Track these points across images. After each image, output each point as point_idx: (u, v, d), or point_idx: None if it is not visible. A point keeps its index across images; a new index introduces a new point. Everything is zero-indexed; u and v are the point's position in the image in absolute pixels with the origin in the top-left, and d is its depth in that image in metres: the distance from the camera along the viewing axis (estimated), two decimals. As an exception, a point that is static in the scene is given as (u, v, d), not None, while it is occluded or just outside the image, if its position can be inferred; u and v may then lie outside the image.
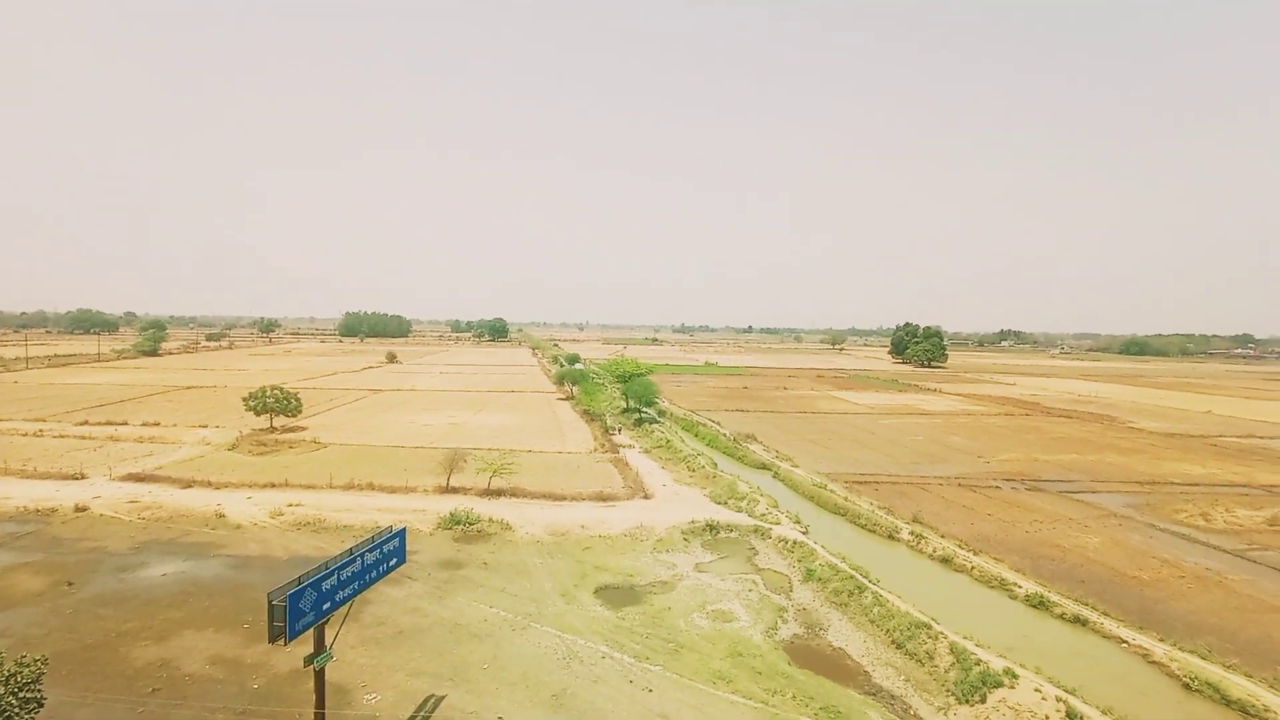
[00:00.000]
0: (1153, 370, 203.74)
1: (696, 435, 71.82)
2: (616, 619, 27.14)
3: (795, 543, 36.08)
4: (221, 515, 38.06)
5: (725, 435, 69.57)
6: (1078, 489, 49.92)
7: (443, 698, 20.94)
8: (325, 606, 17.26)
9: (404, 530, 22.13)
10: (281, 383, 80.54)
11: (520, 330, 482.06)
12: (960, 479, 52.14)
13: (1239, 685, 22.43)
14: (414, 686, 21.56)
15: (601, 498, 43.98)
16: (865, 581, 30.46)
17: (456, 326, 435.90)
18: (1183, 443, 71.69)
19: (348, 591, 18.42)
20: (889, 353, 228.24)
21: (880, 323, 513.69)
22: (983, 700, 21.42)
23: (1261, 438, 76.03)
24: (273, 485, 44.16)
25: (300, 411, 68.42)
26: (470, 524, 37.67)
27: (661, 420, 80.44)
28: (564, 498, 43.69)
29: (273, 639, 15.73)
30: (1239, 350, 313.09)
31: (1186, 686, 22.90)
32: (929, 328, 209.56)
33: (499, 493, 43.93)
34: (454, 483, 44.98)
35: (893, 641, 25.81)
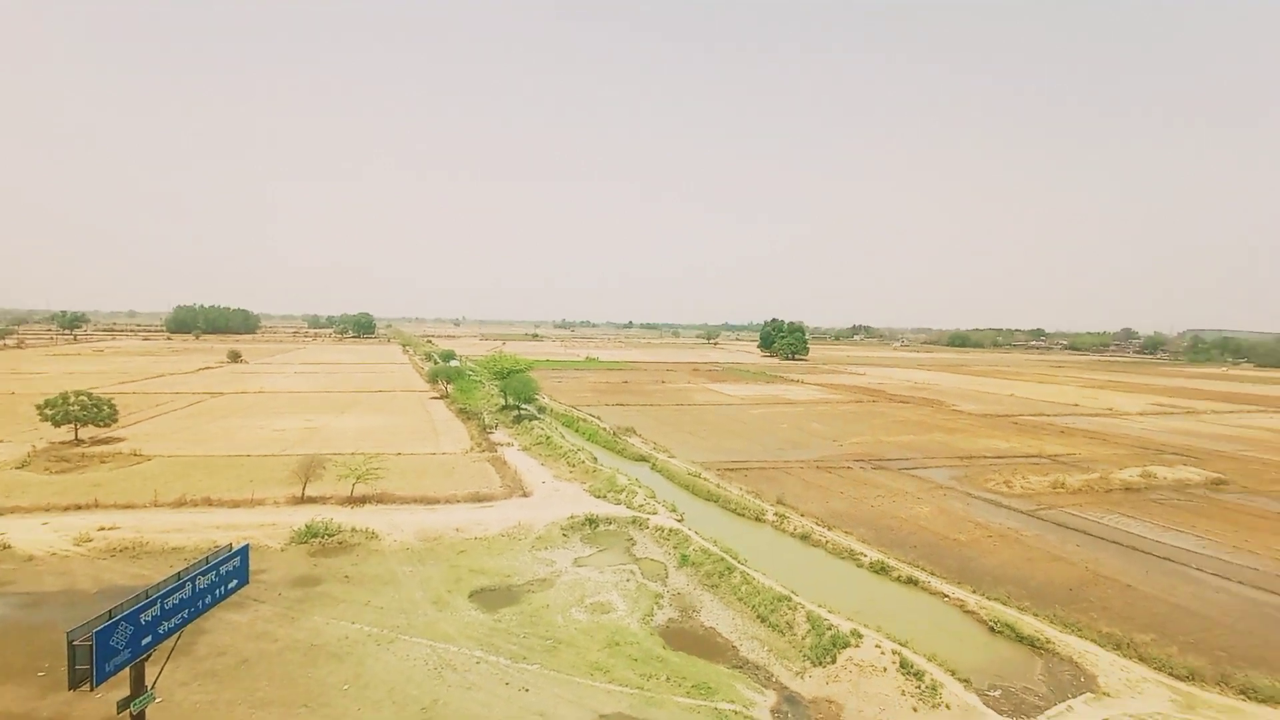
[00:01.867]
0: (972, 360, 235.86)
1: (577, 430, 71.86)
2: (493, 622, 26.49)
3: (671, 531, 37.42)
4: (7, 547, 31.82)
5: (605, 429, 70.32)
6: (913, 465, 56.62)
7: (296, 727, 19.20)
8: (145, 641, 15.11)
9: (246, 548, 19.97)
10: (91, 387, 68.90)
11: (389, 326, 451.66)
12: (818, 462, 56.99)
13: (1029, 624, 26.79)
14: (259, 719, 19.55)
15: (478, 498, 42.60)
16: (734, 562, 32.34)
17: (315, 322, 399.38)
18: (992, 422, 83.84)
19: (175, 622, 16.27)
20: (758, 347, 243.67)
21: (751, 318, 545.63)
22: (833, 661, 23.67)
23: (1048, 415, 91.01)
24: (79, 507, 37.70)
25: (115, 420, 59.15)
26: (330, 535, 34.76)
27: (542, 416, 79.50)
28: (437, 501, 41.75)
29: (74, 685, 13.49)
30: (1034, 342, 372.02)
31: (991, 629, 26.92)
32: (793, 323, 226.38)
33: (364, 500, 40.96)
34: (311, 492, 41.22)
35: (758, 616, 27.68)
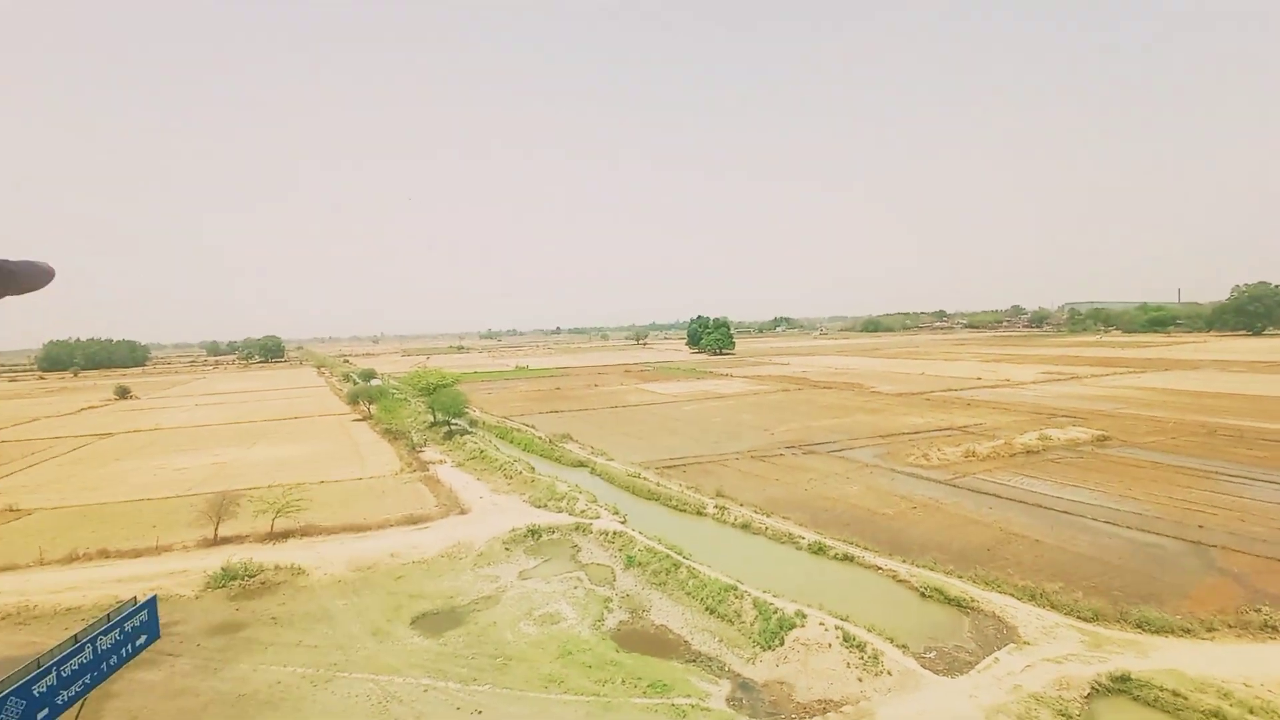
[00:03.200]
0: (885, 343, 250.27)
1: (512, 441, 70.40)
2: (438, 646, 25.50)
3: (615, 533, 37.37)
4: None
5: (541, 438, 69.30)
6: (840, 448, 59.39)
7: (227, 787, 17.70)
8: (41, 715, 13.49)
9: (154, 599, 18.27)
10: (-54, 439, 60.61)
11: (300, 348, 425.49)
12: (752, 452, 58.66)
13: (955, 586, 28.71)
14: (186, 784, 17.89)
15: (412, 520, 40.86)
16: (680, 558, 32.72)
17: (215, 349, 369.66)
18: (908, 400, 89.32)
19: (75, 690, 14.63)
20: (686, 344, 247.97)
21: (678, 317, 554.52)
22: (781, 643, 24.44)
23: (955, 390, 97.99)
24: (-58, 576, 33.07)
25: (-18, 473, 52.33)
26: (250, 576, 32.28)
27: (474, 430, 77.32)
28: (368, 527, 39.70)
29: (-47, 780, 11.84)
30: (938, 323, 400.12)
31: (922, 595, 28.65)
32: (718, 319, 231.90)
33: (286, 534, 38.32)
34: (225, 532, 38.13)
35: (707, 608, 28.13)
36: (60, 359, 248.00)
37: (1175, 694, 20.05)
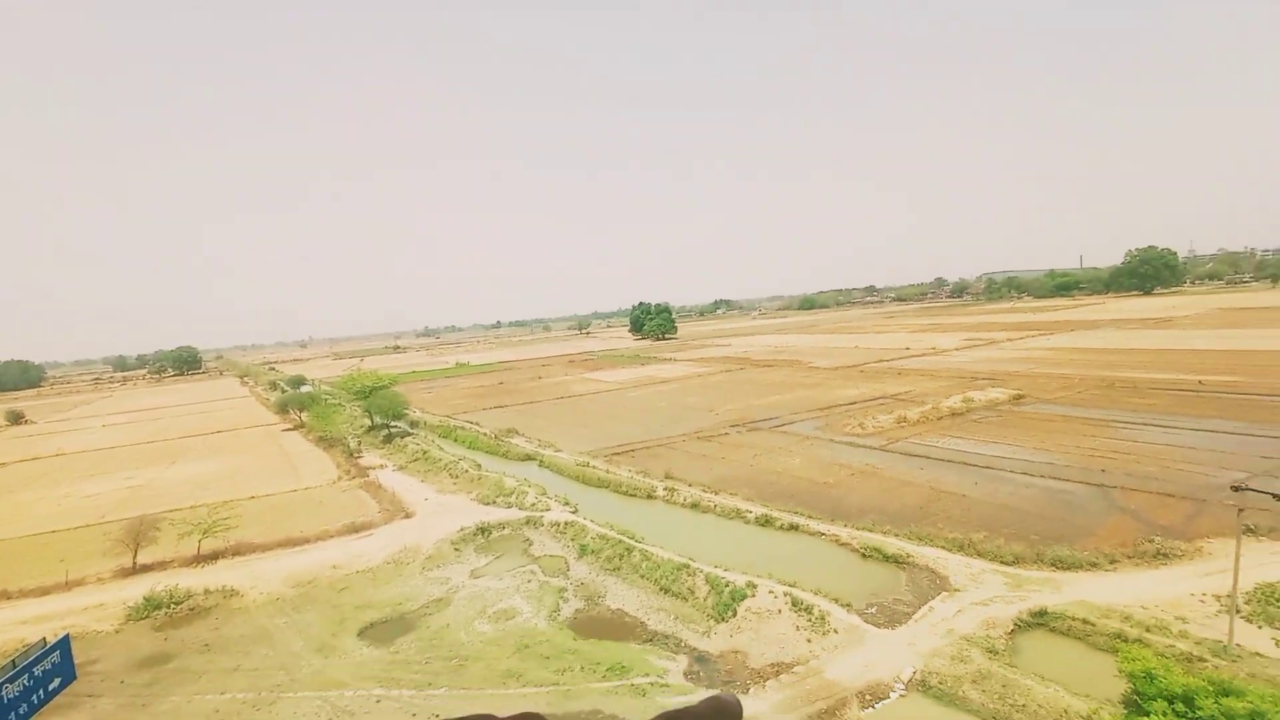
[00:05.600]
0: (821, 320, 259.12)
1: (456, 440, 68.78)
2: (390, 655, 24.81)
3: (567, 524, 37.28)
4: None
5: (486, 434, 68.04)
6: (782, 423, 61.25)
7: (166, 825, 16.70)
8: (-63, 779, 12.28)
9: (67, 638, 16.95)
10: None
11: (219, 357, 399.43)
12: (698, 433, 59.66)
13: (892, 544, 30.31)
14: (118, 828, 16.75)
15: (354, 529, 39.38)
16: (632, 542, 33.02)
17: (121, 364, 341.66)
18: (843, 373, 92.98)
19: (-23, 745, 13.38)
20: (629, 331, 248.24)
21: (619, 304, 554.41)
22: (734, 614, 25.16)
23: (887, 360, 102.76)
24: None
25: None
26: (177, 604, 30.33)
27: (415, 431, 75.00)
28: (306, 540, 37.97)
29: None
30: (869, 298, 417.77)
31: (863, 556, 30.10)
32: (659, 305, 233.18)
33: (215, 556, 36.15)
34: (145, 559, 35.57)
35: (661, 588, 28.58)
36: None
37: (1085, 622, 22.01)
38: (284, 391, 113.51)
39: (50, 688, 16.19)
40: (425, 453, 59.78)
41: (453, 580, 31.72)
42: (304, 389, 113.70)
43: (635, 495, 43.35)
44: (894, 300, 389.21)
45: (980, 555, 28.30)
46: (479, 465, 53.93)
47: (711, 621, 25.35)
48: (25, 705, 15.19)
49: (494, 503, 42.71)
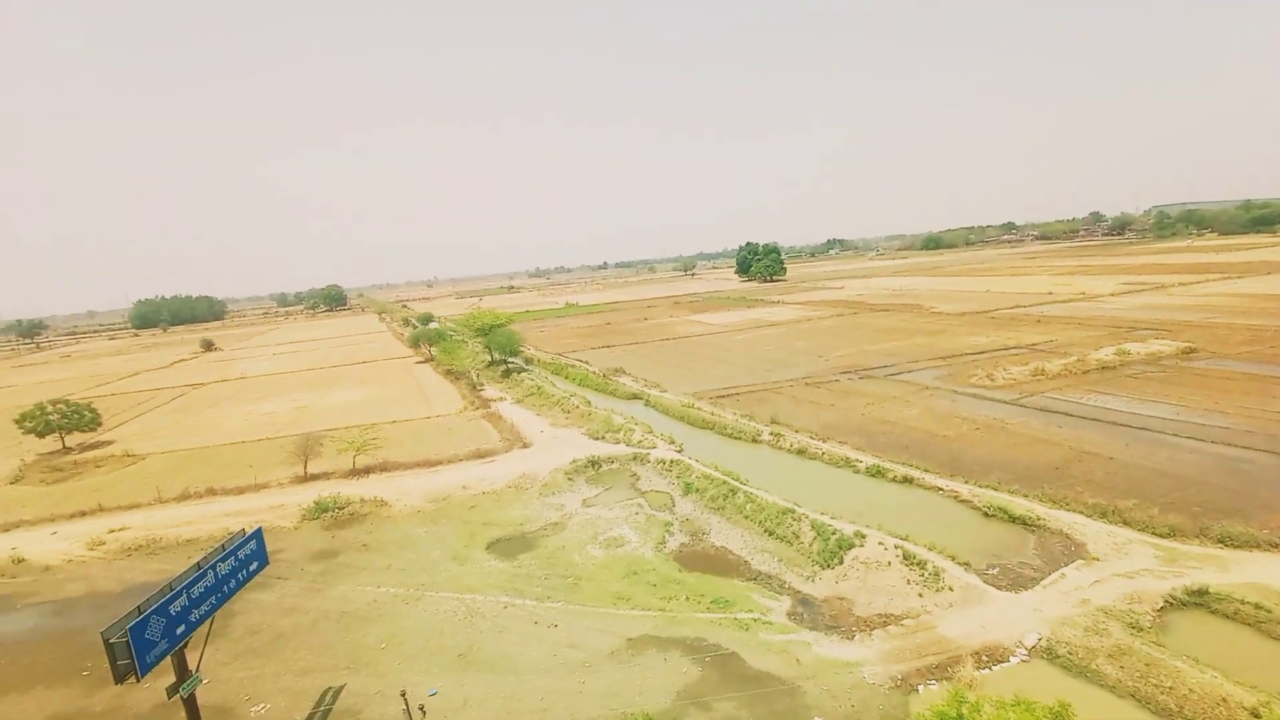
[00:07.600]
0: (947, 261, 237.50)
1: (567, 377, 72.16)
2: (513, 568, 27.42)
3: (673, 462, 38.35)
4: (21, 560, 31.88)
5: (595, 373, 70.67)
6: (898, 371, 57.96)
7: (342, 687, 20.08)
8: (179, 631, 15.47)
9: (260, 530, 20.22)
10: (67, 394, 67.26)
11: (361, 296, 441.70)
12: (806, 379, 58.07)
13: (1020, 505, 28.27)
14: (306, 685, 20.38)
15: (479, 455, 43.12)
16: (737, 484, 33.41)
17: (283, 301, 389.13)
18: (971, 319, 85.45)
19: (204, 609, 16.64)
20: (736, 272, 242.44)
21: (726, 245, 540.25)
22: (840, 562, 24.97)
23: (1024, 306, 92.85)
24: (83, 514, 37.62)
25: (100, 424, 58.21)
26: (340, 508, 35.22)
27: (530, 368, 79.53)
28: (439, 462, 42.21)
29: (120, 679, 13.87)
30: (1005, 236, 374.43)
31: (985, 514, 28.40)
32: (768, 245, 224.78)
33: (367, 470, 41.29)
34: (313, 469, 41.41)
35: (765, 530, 28.89)
36: (149, 317, 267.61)
37: (1258, 607, 19.49)
38: (415, 328, 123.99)
39: (251, 569, 19.64)
40: (539, 388, 63.34)
41: (567, 507, 34.05)
42: (432, 326, 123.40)
43: (740, 438, 43.47)
44: (1037, 238, 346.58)
45: (1127, 524, 25.68)
46: (589, 402, 56.39)
47: (816, 567, 25.36)
48: (233, 581, 18.63)
49: (603, 438, 44.72)
